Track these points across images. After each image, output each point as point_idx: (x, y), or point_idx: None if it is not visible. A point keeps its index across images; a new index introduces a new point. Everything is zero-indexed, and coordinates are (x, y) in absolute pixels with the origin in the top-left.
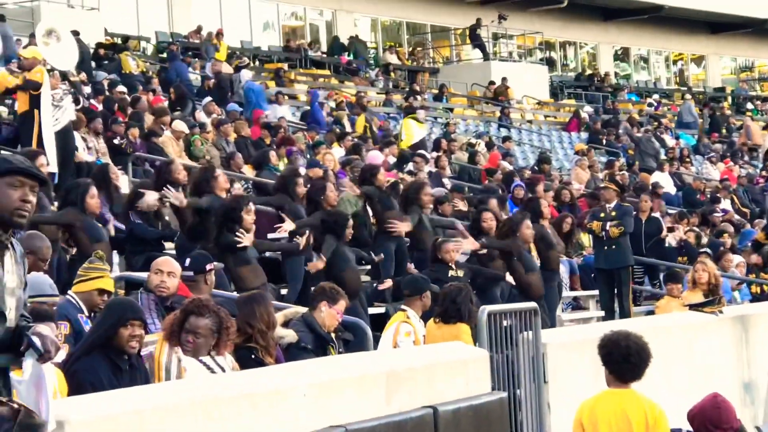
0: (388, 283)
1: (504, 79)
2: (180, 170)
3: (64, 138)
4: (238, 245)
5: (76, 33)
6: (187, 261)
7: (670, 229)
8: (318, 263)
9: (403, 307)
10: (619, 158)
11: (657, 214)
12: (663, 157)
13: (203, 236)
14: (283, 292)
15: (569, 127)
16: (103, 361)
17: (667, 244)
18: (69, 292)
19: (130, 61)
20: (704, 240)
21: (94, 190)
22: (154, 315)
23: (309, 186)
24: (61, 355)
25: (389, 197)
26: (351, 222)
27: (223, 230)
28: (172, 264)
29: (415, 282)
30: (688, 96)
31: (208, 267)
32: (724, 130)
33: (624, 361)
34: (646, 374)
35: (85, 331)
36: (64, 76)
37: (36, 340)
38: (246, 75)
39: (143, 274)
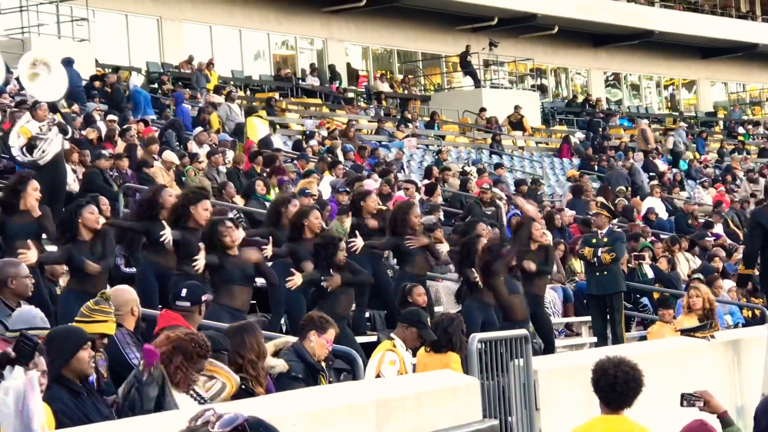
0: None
1: (517, 107)
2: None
3: (53, 170)
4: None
5: (70, 61)
6: (184, 291)
7: (637, 257)
8: (335, 279)
9: (392, 335)
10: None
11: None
12: (654, 182)
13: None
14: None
15: (561, 154)
16: (62, 389)
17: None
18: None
19: None
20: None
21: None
22: (134, 349)
23: (294, 212)
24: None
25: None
26: (342, 245)
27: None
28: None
29: (410, 313)
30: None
31: (203, 298)
32: (716, 155)
33: (610, 389)
34: (640, 399)
35: None
36: (54, 107)
37: None
38: (137, 80)
39: None
